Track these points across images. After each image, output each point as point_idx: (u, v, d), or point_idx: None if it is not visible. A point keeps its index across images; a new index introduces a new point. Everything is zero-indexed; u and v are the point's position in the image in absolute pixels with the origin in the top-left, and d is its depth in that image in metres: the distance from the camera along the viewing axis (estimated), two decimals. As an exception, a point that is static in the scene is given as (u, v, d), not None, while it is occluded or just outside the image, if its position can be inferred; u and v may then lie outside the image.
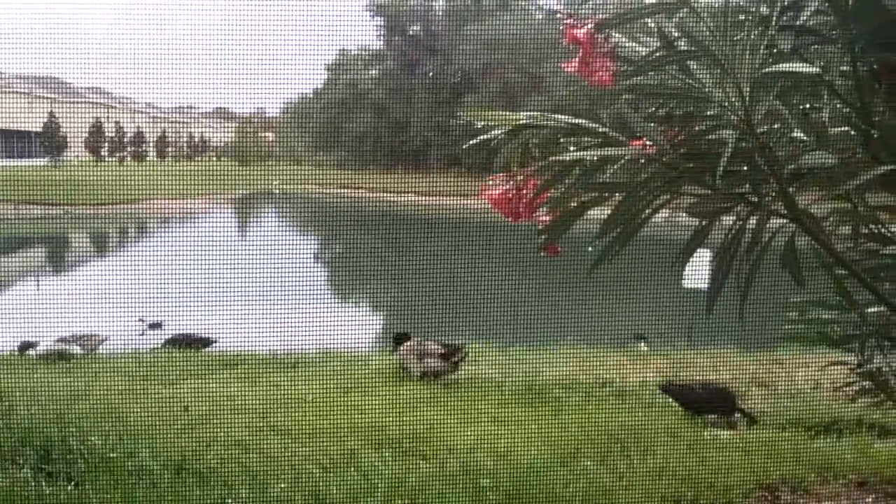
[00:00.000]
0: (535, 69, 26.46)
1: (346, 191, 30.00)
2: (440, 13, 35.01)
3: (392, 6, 34.39)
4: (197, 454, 4.08)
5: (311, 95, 33.77)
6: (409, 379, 6.34)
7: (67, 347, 7.14)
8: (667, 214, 2.27)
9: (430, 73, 32.14)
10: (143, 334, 8.61)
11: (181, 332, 8.42)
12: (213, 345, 8.26)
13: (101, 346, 7.63)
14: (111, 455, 3.95)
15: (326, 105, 34.86)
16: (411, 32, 35.48)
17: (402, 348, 6.54)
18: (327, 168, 32.70)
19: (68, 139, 24.04)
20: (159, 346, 8.15)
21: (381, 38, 36.26)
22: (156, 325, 8.68)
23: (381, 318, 14.21)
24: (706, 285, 2.14)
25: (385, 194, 29.55)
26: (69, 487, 3.59)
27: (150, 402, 5.15)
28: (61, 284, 17.07)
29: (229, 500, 3.46)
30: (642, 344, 8.29)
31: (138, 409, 4.82)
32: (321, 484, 3.72)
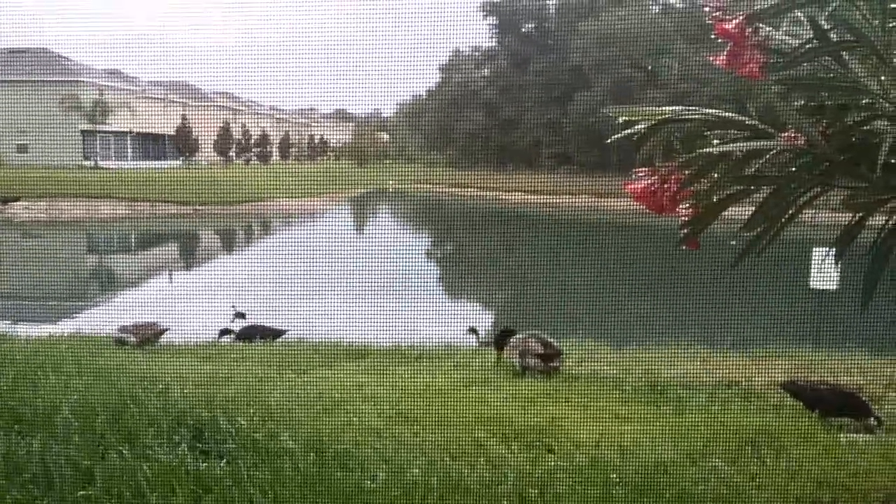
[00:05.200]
0: (649, 64, 25.90)
1: (456, 189, 30.31)
2: (553, 10, 34.77)
3: (505, 5, 34.46)
4: (333, 438, 4.30)
5: (425, 96, 34.31)
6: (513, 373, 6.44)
7: (124, 336, 7.38)
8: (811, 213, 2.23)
9: (542, 72, 31.97)
10: (232, 321, 8.97)
11: (252, 324, 8.64)
12: (286, 334, 8.39)
13: (160, 337, 7.74)
14: (256, 436, 4.22)
15: (439, 105, 35.32)
16: (524, 30, 35.41)
17: (509, 343, 6.65)
18: (439, 167, 33.12)
19: (199, 142, 25.44)
20: (230, 341, 8.35)
21: (494, 37, 36.40)
22: (240, 315, 9.02)
23: (496, 314, 14.33)
24: (834, 286, 2.10)
25: (495, 192, 29.63)
26: (222, 464, 3.86)
27: (286, 389, 5.44)
28: (192, 279, 18.11)
29: (368, 482, 3.63)
30: (474, 338, 8.10)
31: (277, 395, 5.11)
32: (453, 471, 3.85)
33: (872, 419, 5.27)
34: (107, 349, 6.95)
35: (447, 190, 30.23)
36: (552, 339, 6.63)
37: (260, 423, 4.45)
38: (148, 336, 7.53)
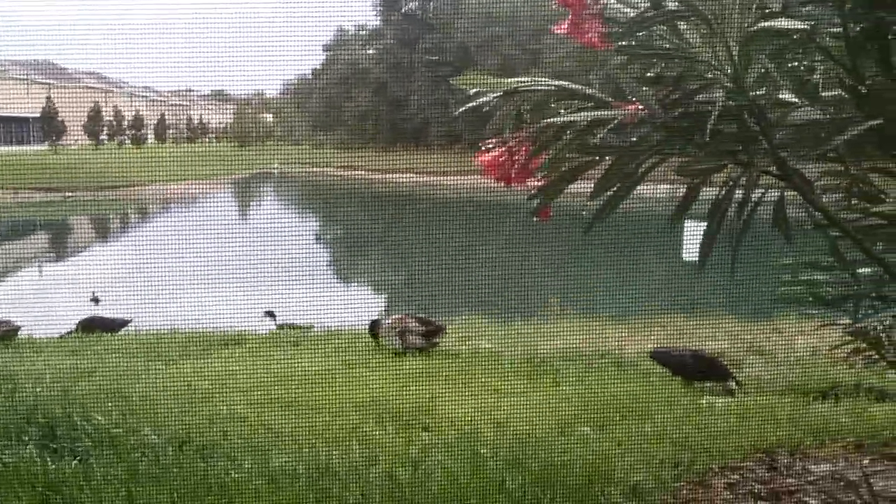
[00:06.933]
0: (533, 43, 26.29)
1: (346, 171, 29.91)
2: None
3: (388, -19, 34.16)
4: (200, 429, 4.12)
5: (310, 76, 33.63)
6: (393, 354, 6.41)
7: None
8: (667, 188, 2.28)
9: (428, 50, 31.94)
10: (96, 304, 8.51)
11: (93, 315, 8.14)
12: (129, 325, 7.88)
13: (13, 336, 7.13)
14: (115, 431, 3.99)
15: (325, 85, 34.69)
16: (406, 10, 35.20)
17: (382, 325, 6.62)
18: (327, 148, 32.59)
19: (66, 124, 23.97)
20: (72, 330, 7.77)
21: (379, 15, 35.97)
22: (94, 300, 8.58)
23: (383, 295, 14.27)
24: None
25: (385, 174, 29.42)
26: (74, 463, 3.63)
27: (152, 381, 5.19)
28: (62, 270, 17.10)
29: (232, 472, 3.50)
30: (272, 322, 8.34)
31: (141, 388, 4.86)
32: (323, 456, 3.76)
33: (732, 382, 5.55)
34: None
35: (335, 172, 29.77)
36: (428, 317, 6.65)
37: (120, 419, 4.22)
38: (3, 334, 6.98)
